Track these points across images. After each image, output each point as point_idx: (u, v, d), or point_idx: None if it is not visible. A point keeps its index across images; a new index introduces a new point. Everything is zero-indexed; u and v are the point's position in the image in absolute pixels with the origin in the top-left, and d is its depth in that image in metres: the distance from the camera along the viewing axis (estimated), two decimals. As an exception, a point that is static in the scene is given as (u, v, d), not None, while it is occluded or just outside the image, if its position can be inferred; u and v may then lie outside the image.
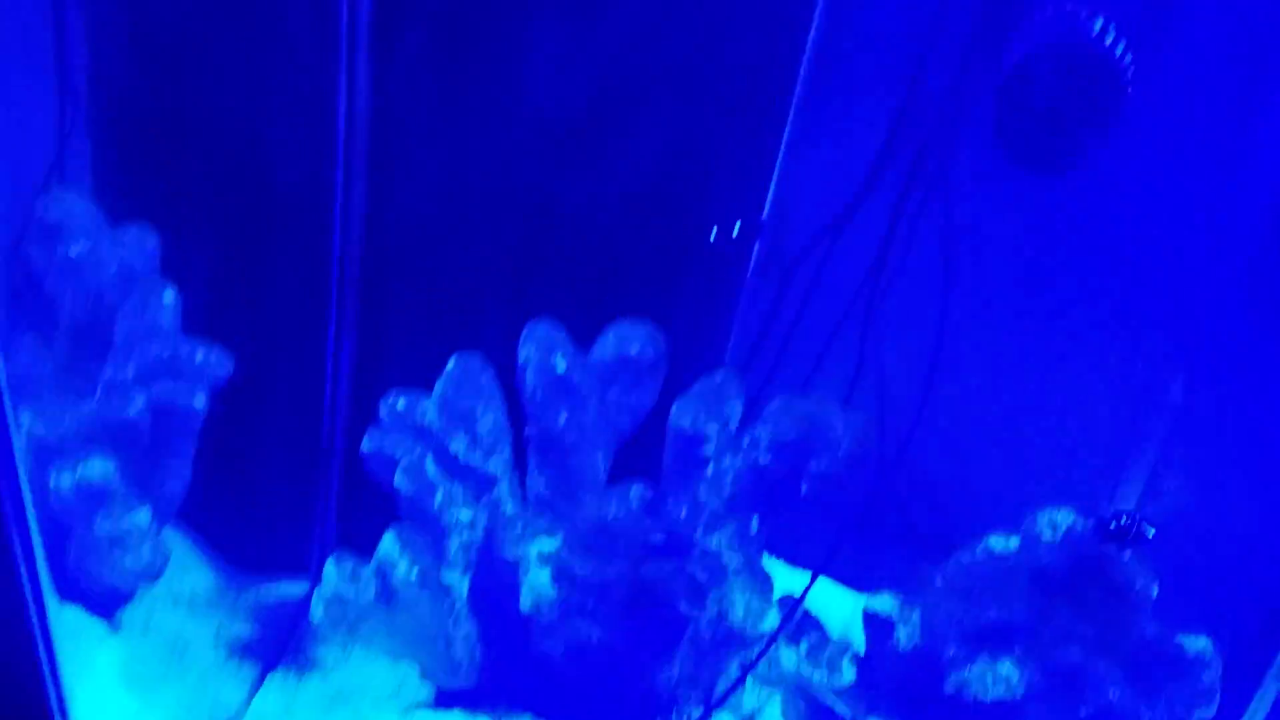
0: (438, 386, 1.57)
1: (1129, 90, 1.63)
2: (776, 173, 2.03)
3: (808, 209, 2.10)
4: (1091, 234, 1.88)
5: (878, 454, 2.17)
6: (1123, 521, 1.61)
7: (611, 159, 1.68)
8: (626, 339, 1.71)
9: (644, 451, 1.77)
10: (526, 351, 1.63)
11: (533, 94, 1.57)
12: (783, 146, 2.01)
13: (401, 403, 1.56)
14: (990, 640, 1.60)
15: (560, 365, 1.63)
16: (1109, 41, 1.65)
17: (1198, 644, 1.56)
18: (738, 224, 1.86)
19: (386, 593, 1.55)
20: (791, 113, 1.97)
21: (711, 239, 1.82)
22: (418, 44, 1.52)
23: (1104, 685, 1.56)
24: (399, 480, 1.53)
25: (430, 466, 1.54)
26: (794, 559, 2.25)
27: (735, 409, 1.76)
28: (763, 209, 2.05)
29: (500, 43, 1.53)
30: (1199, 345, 1.89)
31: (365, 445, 1.55)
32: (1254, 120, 1.72)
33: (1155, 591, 1.58)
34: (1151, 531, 1.57)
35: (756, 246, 2.09)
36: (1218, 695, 1.55)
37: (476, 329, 1.68)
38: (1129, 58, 1.65)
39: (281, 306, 1.66)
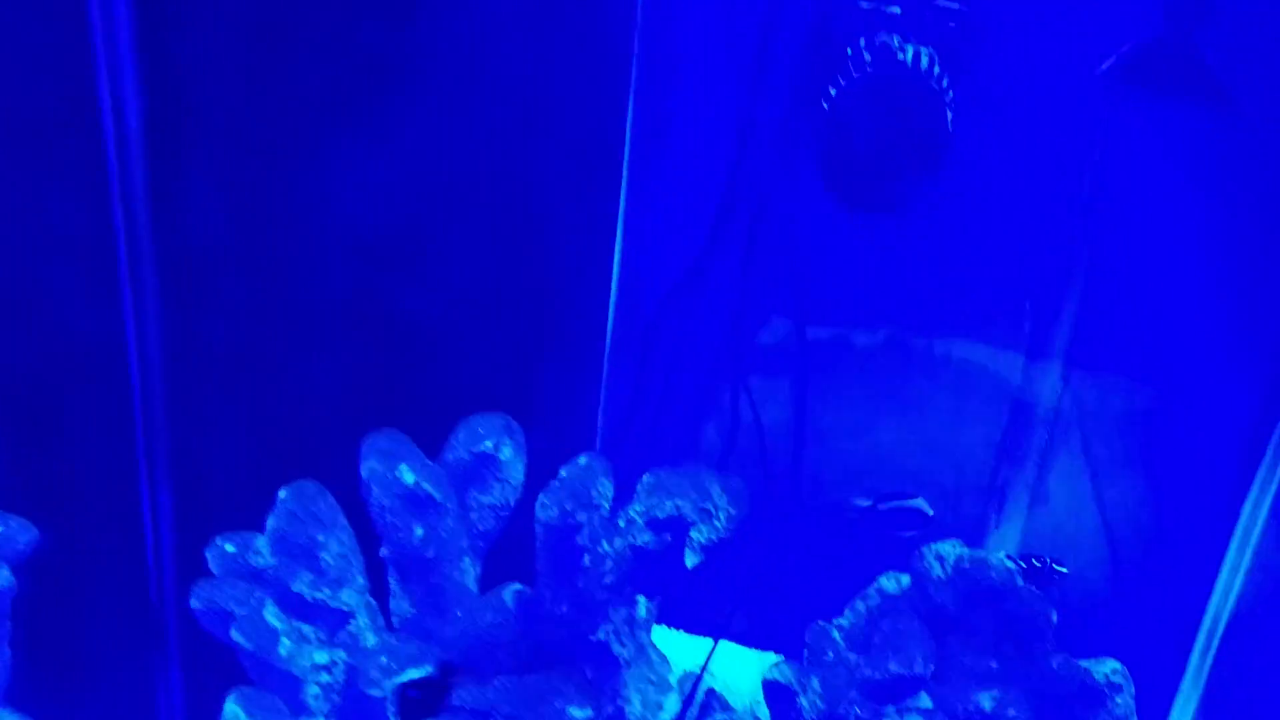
0: (270, 522, 1.46)
1: (950, 119, 1.61)
2: (620, 240, 1.98)
3: (657, 272, 2.06)
4: (937, 267, 1.87)
5: (769, 506, 2.13)
6: (1034, 563, 1.58)
7: (438, 255, 1.61)
8: (478, 435, 1.62)
9: (520, 547, 1.68)
10: (369, 466, 1.53)
11: (341, 203, 1.50)
12: (620, 212, 1.96)
13: (230, 546, 1.45)
14: (894, 694, 1.54)
15: (407, 476, 1.53)
16: (924, 69, 1.63)
17: (1105, 668, 1.51)
18: None
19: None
20: (624, 175, 1.93)
21: None
22: (202, 167, 1.43)
23: (1016, 725, 1.50)
24: (235, 635, 1.40)
25: (270, 612, 1.42)
26: (696, 628, 2.18)
27: (605, 490, 1.68)
28: (609, 279, 1.99)
29: (296, 158, 1.45)
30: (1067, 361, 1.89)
31: (193, 601, 1.42)
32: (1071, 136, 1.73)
33: (1055, 618, 1.53)
34: (1064, 570, 1.54)
35: (610, 316, 2.03)
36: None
37: (312, 456, 1.58)
38: (946, 81, 1.63)
39: (85, 464, 1.54)
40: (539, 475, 1.68)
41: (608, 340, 2.03)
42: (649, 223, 2.01)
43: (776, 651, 2.01)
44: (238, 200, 1.44)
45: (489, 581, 1.65)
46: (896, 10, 1.66)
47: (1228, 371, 1.81)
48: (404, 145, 1.50)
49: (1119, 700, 1.49)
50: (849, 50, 1.69)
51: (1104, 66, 1.42)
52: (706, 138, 1.95)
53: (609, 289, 2.00)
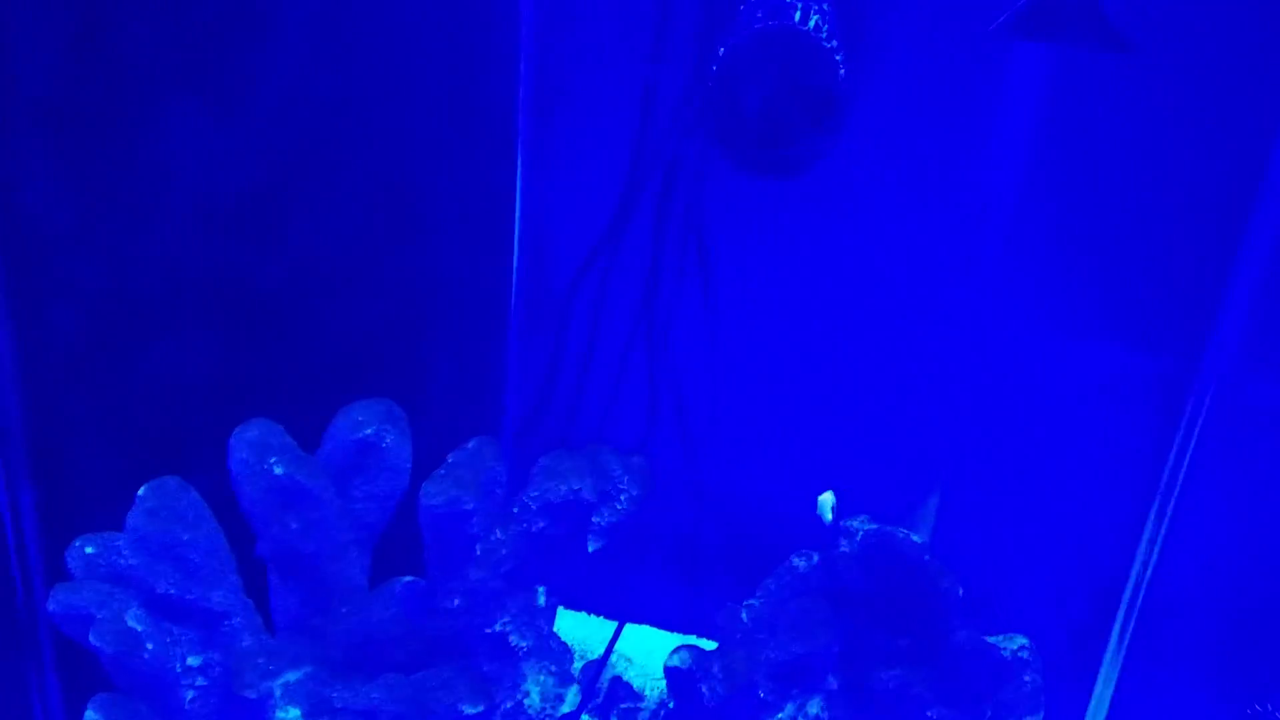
0: (129, 520, 1.37)
1: (841, 79, 1.53)
2: (519, 211, 1.90)
3: (564, 246, 1.98)
4: (840, 231, 1.80)
5: (688, 487, 2.06)
6: None
7: (303, 226, 1.51)
8: (358, 422, 1.53)
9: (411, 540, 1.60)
10: (238, 458, 1.44)
11: (188, 173, 1.40)
12: (518, 183, 1.87)
13: (90, 547, 1.36)
14: (800, 677, 1.47)
15: (278, 468, 1.45)
16: (813, 26, 1.55)
17: (1014, 644, 1.45)
18: None
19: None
20: (518, 143, 1.84)
21: None
22: (36, 146, 1.33)
23: (923, 707, 1.44)
24: (94, 639, 1.32)
25: (133, 615, 1.33)
26: (605, 611, 2.12)
27: (497, 476, 1.60)
28: (510, 253, 1.91)
29: (137, 128, 1.36)
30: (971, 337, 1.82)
31: (51, 605, 1.34)
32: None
33: (961, 593, 1.47)
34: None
35: (514, 292, 1.95)
36: (1042, 697, 1.44)
37: (179, 448, 1.49)
38: (835, 44, 1.56)
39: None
40: (435, 462, 1.60)
41: (512, 318, 1.95)
42: (551, 195, 1.93)
43: (700, 635, 1.94)
44: (76, 177, 1.34)
45: (383, 575, 1.58)
46: None
47: (1146, 336, 1.75)
48: (257, 107, 1.40)
49: (1027, 677, 1.43)
50: (742, 6, 1.61)
51: (1000, 20, 1.35)
52: (608, 108, 1.87)
53: (510, 264, 1.91)
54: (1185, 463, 1.69)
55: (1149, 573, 1.76)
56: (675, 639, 1.99)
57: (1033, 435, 1.85)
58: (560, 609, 1.80)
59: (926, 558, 1.49)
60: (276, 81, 1.41)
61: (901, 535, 1.50)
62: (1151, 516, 1.73)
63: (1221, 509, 1.81)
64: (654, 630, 2.08)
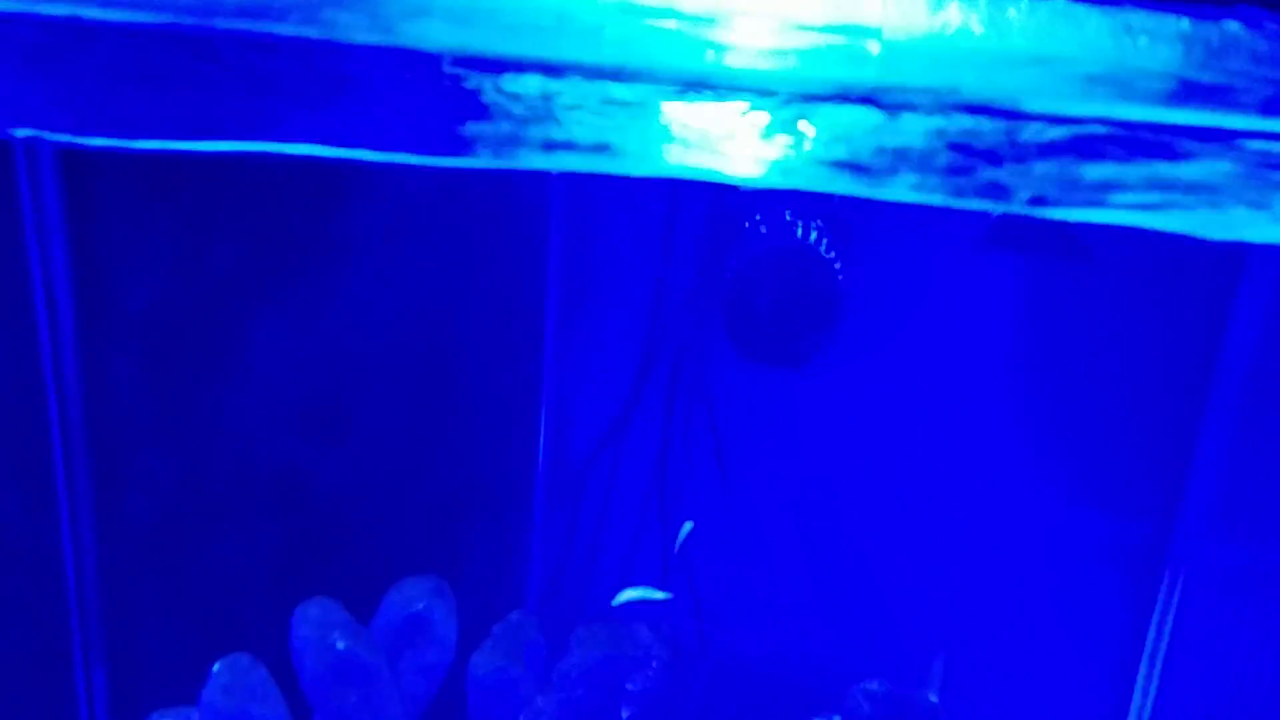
0: (204, 695, 1.46)
1: (840, 286, 1.75)
2: (544, 401, 2.06)
3: (583, 431, 2.13)
4: (840, 414, 1.97)
5: (703, 653, 2.15)
6: None
7: (361, 427, 1.67)
8: (409, 598, 1.65)
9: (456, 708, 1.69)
10: (301, 635, 1.55)
11: (265, 381, 1.56)
12: (544, 377, 2.04)
13: (167, 721, 1.45)
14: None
15: (340, 643, 1.55)
16: (814, 240, 1.77)
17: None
18: None
19: None
20: (546, 343, 2.02)
21: None
22: (130, 351, 1.49)
23: None
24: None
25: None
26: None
27: (538, 646, 1.71)
28: (537, 440, 2.06)
29: (221, 338, 1.52)
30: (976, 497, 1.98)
31: (131, 781, 1.42)
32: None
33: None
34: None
35: (539, 474, 2.09)
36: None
37: (244, 628, 1.60)
38: (834, 254, 1.77)
39: (19, 647, 1.54)
40: (472, 634, 1.71)
41: (536, 496, 2.09)
42: (575, 386, 2.10)
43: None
44: (164, 381, 1.49)
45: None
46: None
47: (1125, 503, 1.91)
48: (327, 323, 1.58)
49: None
50: (747, 224, 1.83)
51: (975, 232, 1.58)
52: (624, 305, 2.06)
53: (536, 449, 2.06)
54: (1169, 621, 1.82)
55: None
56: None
57: (1023, 598, 1.99)
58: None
59: (943, 718, 1.60)
60: (346, 297, 1.59)
61: (919, 696, 1.61)
62: (1140, 674, 1.86)
63: (1205, 664, 1.94)
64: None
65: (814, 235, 1.72)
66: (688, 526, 1.79)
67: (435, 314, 1.70)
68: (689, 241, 1.96)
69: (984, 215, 1.59)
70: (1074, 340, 1.83)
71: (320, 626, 1.55)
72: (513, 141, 0.90)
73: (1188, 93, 0.88)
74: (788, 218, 1.72)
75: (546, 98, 0.89)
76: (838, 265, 1.70)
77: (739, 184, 0.97)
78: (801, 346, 1.76)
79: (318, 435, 1.61)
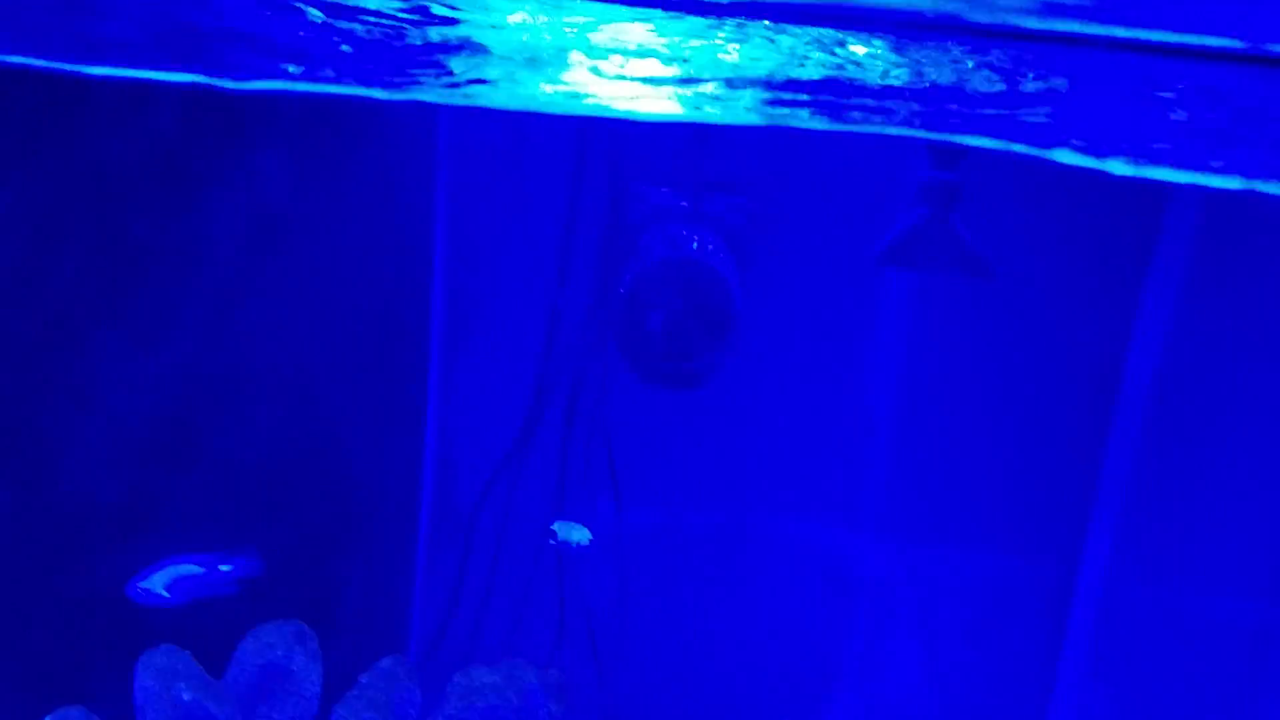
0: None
1: (736, 301, 1.67)
2: (429, 431, 1.94)
3: (472, 464, 2.01)
4: (738, 438, 1.89)
5: (600, 697, 2.04)
6: None
7: (215, 451, 1.54)
8: (266, 645, 1.50)
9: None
10: (143, 685, 1.39)
11: (106, 401, 1.42)
12: (429, 402, 1.92)
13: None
14: None
15: (186, 694, 1.40)
16: (709, 254, 1.69)
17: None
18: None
19: None
20: (432, 368, 1.90)
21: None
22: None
23: None
24: None
25: None
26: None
27: (411, 696, 1.57)
28: (419, 472, 1.93)
29: (56, 354, 1.38)
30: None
31: None
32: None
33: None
34: None
35: (424, 509, 1.96)
36: None
37: (86, 672, 1.44)
38: (729, 270, 1.70)
39: None
40: (344, 683, 1.57)
41: (420, 534, 1.96)
42: (463, 416, 1.98)
43: None
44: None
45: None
46: (684, 204, 1.74)
47: (1034, 530, 1.85)
48: (177, 339, 1.44)
49: None
50: (640, 239, 1.75)
51: (872, 250, 1.52)
52: (516, 328, 1.96)
53: (420, 483, 1.94)
54: (1077, 657, 1.76)
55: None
56: None
57: (928, 640, 1.91)
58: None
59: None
60: (198, 311, 1.46)
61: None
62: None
63: (1112, 700, 1.88)
64: None
65: (710, 249, 1.65)
66: (583, 535, 1.67)
67: (301, 330, 1.58)
68: (584, 261, 1.87)
69: (883, 231, 1.53)
70: (973, 361, 1.77)
71: (165, 676, 1.40)
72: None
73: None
74: (684, 233, 1.65)
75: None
76: (733, 281, 1.62)
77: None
78: (695, 366, 1.67)
79: (164, 461, 1.47)
